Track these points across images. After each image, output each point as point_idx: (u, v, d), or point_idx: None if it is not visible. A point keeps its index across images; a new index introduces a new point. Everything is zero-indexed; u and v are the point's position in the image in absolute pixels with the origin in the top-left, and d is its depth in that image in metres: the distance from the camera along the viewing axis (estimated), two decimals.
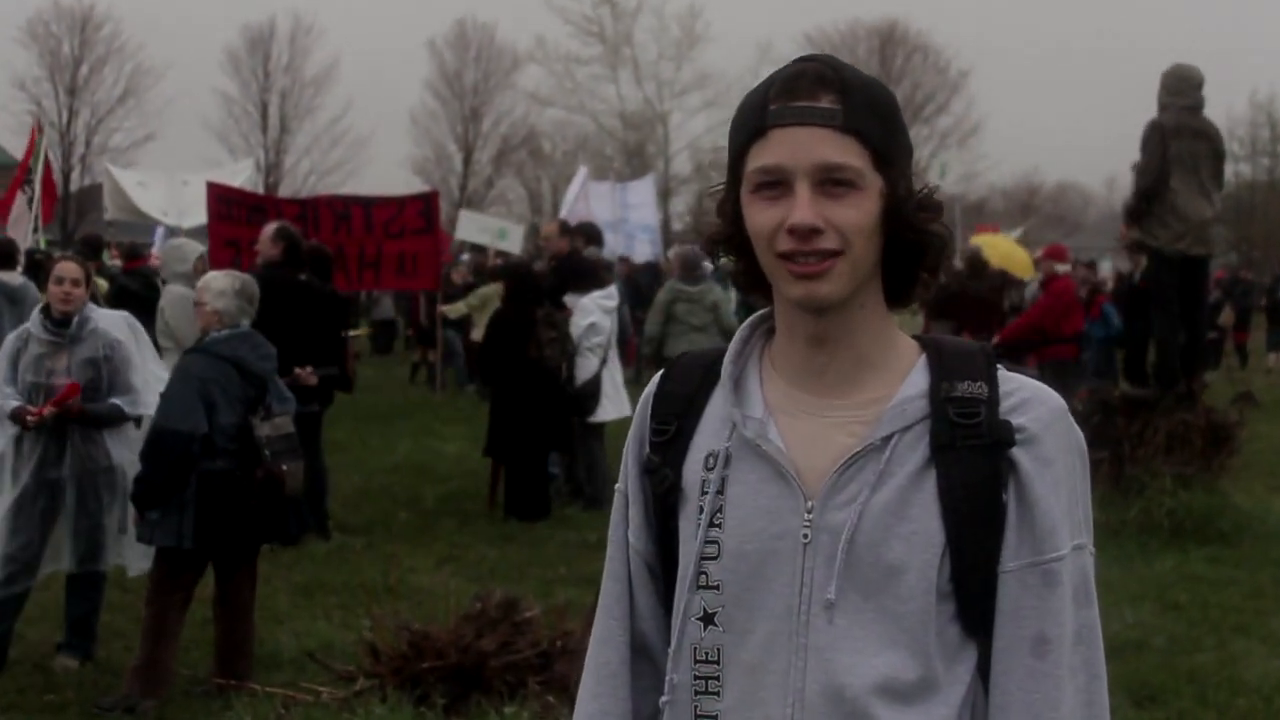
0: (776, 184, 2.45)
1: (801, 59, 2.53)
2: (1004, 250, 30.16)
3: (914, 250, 2.53)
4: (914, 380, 2.52)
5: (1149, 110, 14.40)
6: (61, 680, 9.30)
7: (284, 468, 8.76)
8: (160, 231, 30.52)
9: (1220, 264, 50.53)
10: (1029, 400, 2.50)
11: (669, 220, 64.43)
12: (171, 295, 12.92)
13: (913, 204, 2.50)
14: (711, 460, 2.58)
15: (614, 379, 15.52)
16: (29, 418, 9.19)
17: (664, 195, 52.05)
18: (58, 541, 9.55)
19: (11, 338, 9.70)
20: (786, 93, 2.46)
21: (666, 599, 2.69)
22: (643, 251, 32.48)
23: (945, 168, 55.22)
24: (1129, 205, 14.53)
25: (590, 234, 17.18)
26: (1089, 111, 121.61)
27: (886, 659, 2.43)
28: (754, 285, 2.61)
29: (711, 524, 2.55)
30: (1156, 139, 13.93)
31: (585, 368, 14.82)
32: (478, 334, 23.18)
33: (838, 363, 2.54)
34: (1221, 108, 60.34)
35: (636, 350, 24.49)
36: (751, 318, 2.69)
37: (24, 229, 21.45)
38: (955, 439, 2.45)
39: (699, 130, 78.28)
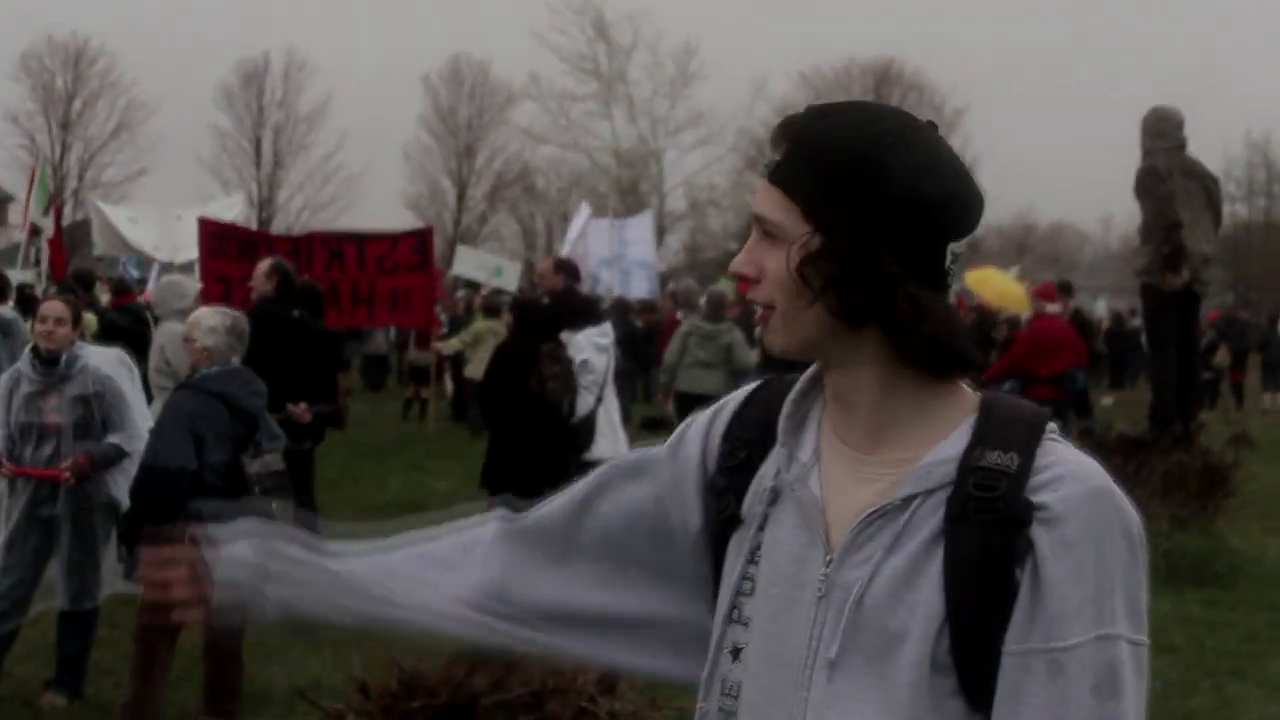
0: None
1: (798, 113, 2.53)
2: (998, 286, 30.26)
3: (880, 310, 2.41)
4: (952, 442, 2.43)
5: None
6: (49, 717, 9.29)
7: (273, 505, 8.75)
8: (155, 268, 30.57)
9: (1216, 304, 50.65)
10: (1062, 478, 2.36)
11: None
12: (169, 332, 12.93)
13: (872, 263, 2.38)
14: (763, 495, 2.57)
15: (610, 417, 15.52)
16: (2, 471, 9.27)
17: (659, 232, 52.06)
18: (50, 579, 9.57)
19: (4, 378, 9.74)
20: (771, 141, 2.50)
21: (652, 569, 2.77)
22: (639, 288, 32.52)
23: None
24: (1166, 254, 14.35)
25: (569, 271, 17.22)
26: (1083, 151, 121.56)
27: None
28: None
29: (750, 560, 2.55)
30: (1152, 182, 14.00)
31: (582, 404, 14.81)
32: (471, 370, 23.25)
33: (861, 418, 2.50)
34: (1218, 148, 60.51)
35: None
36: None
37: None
38: (968, 511, 2.36)
39: (694, 167, 78.65)
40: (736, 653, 2.54)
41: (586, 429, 14.86)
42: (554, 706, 8.09)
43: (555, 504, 2.91)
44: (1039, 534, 2.33)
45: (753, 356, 18.48)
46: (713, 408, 2.77)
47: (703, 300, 19.70)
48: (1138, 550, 2.40)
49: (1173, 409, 14.28)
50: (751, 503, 2.58)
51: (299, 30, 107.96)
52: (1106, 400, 33.07)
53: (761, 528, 2.54)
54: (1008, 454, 2.38)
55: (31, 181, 23.03)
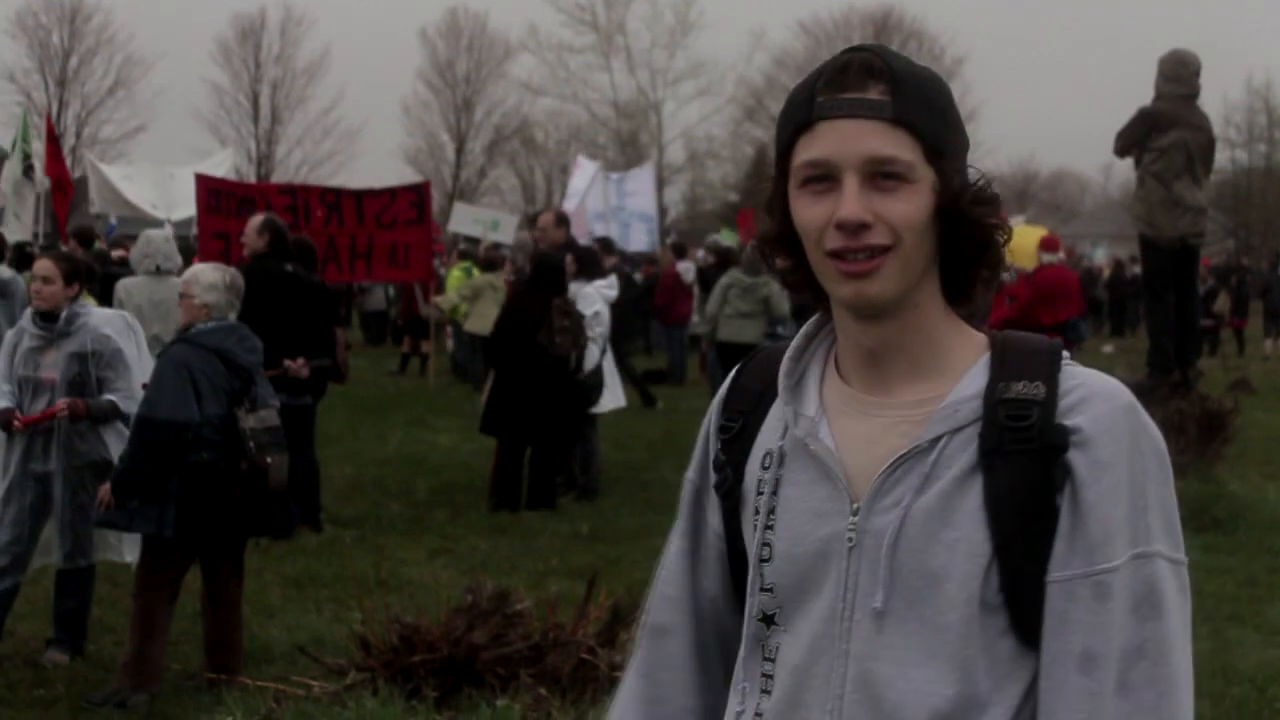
0: (824, 178, 2.37)
1: (850, 49, 2.44)
2: (1022, 242, 30.51)
3: (972, 246, 2.44)
4: (971, 380, 2.42)
5: (1144, 96, 14.44)
6: (51, 675, 9.30)
7: (268, 460, 8.76)
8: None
9: (1217, 250, 50.65)
10: (1088, 399, 2.36)
11: (664, 209, 64.34)
12: (131, 287, 12.98)
13: (968, 198, 2.41)
14: (768, 460, 2.53)
15: (612, 370, 15.57)
16: (15, 424, 9.29)
17: (658, 184, 52.08)
18: (47, 536, 9.60)
19: (10, 334, 9.84)
20: (834, 84, 2.38)
21: (737, 589, 2.63)
22: (639, 240, 32.49)
23: None
24: (1118, 146, 14.61)
25: (568, 224, 17.23)
26: (1085, 98, 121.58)
27: (926, 672, 2.35)
28: (803, 284, 2.53)
29: (766, 526, 2.50)
30: (1140, 121, 14.06)
31: (588, 358, 14.83)
32: (471, 324, 23.25)
33: (892, 362, 2.46)
34: (1218, 93, 60.42)
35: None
36: (817, 315, 2.60)
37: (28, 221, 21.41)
38: (1003, 443, 2.34)
39: (693, 119, 78.79)
40: (768, 619, 2.51)
41: (595, 382, 14.91)
42: (554, 659, 8.11)
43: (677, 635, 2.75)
44: (1075, 458, 2.33)
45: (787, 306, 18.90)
46: (715, 399, 2.74)
47: (743, 254, 20.50)
48: (1166, 466, 2.40)
49: (1171, 357, 14.31)
50: (754, 471, 2.56)
51: None
52: (1107, 348, 33.08)
53: (774, 492, 2.50)
54: (1033, 383, 2.38)
55: (50, 134, 22.87)
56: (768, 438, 2.55)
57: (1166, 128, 13.99)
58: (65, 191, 23.28)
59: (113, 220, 31.60)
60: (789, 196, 2.45)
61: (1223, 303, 36.41)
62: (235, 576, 9.12)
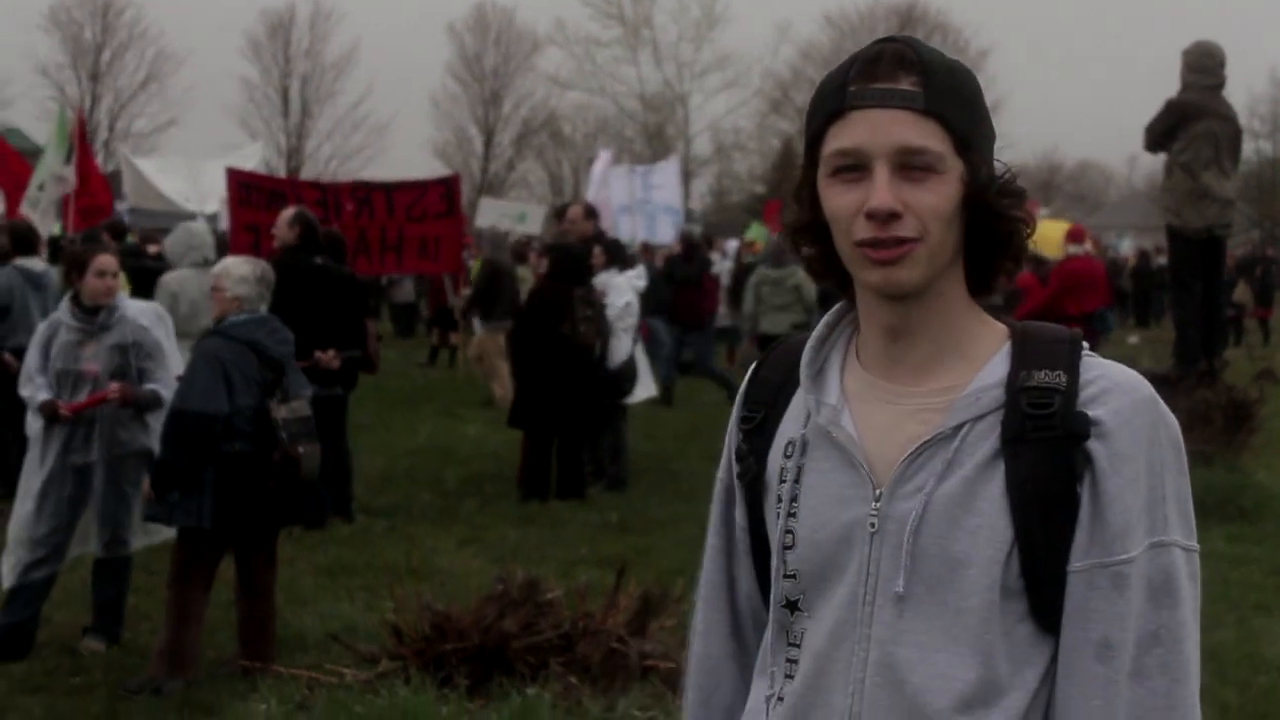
0: (855, 167, 2.39)
1: (882, 40, 2.46)
2: (1041, 229, 30.69)
3: (996, 237, 2.47)
4: (993, 368, 2.45)
5: (1169, 87, 14.42)
6: (89, 662, 9.35)
7: (300, 450, 8.79)
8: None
9: (1242, 241, 50.51)
10: (1109, 390, 2.39)
11: (689, 201, 64.29)
12: (181, 280, 13.07)
13: (994, 190, 2.44)
14: (790, 448, 2.55)
15: (643, 360, 15.59)
16: (61, 412, 9.32)
17: (685, 177, 51.98)
18: (85, 525, 9.64)
19: (43, 326, 9.84)
20: (866, 74, 2.40)
21: (763, 577, 2.66)
22: (665, 233, 32.46)
23: None
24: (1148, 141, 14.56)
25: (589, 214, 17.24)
26: (1109, 89, 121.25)
27: (947, 656, 2.37)
28: (829, 272, 2.56)
29: (789, 513, 2.52)
30: (1168, 113, 14.03)
31: (620, 349, 14.83)
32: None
33: (915, 350, 2.48)
34: (1242, 86, 60.18)
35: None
36: (839, 305, 2.62)
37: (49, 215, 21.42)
38: (1025, 430, 2.37)
39: (719, 111, 78.55)
40: (792, 605, 2.53)
41: (629, 374, 14.92)
42: (584, 648, 8.12)
43: (718, 624, 2.80)
44: (1096, 448, 2.36)
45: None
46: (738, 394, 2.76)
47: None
48: (1183, 457, 2.44)
49: (1197, 347, 14.26)
50: (776, 460, 2.57)
51: None
52: (1133, 338, 33.00)
53: (797, 480, 2.51)
54: (1055, 372, 2.40)
55: (81, 133, 22.83)
56: (790, 427, 2.58)
57: (1194, 118, 13.96)
58: (88, 182, 23.16)
59: (124, 212, 31.59)
60: (818, 185, 2.46)
61: (1242, 293, 36.26)
62: (269, 565, 9.15)
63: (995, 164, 2.47)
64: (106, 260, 9.61)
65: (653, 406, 18.13)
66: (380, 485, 15.34)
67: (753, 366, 2.73)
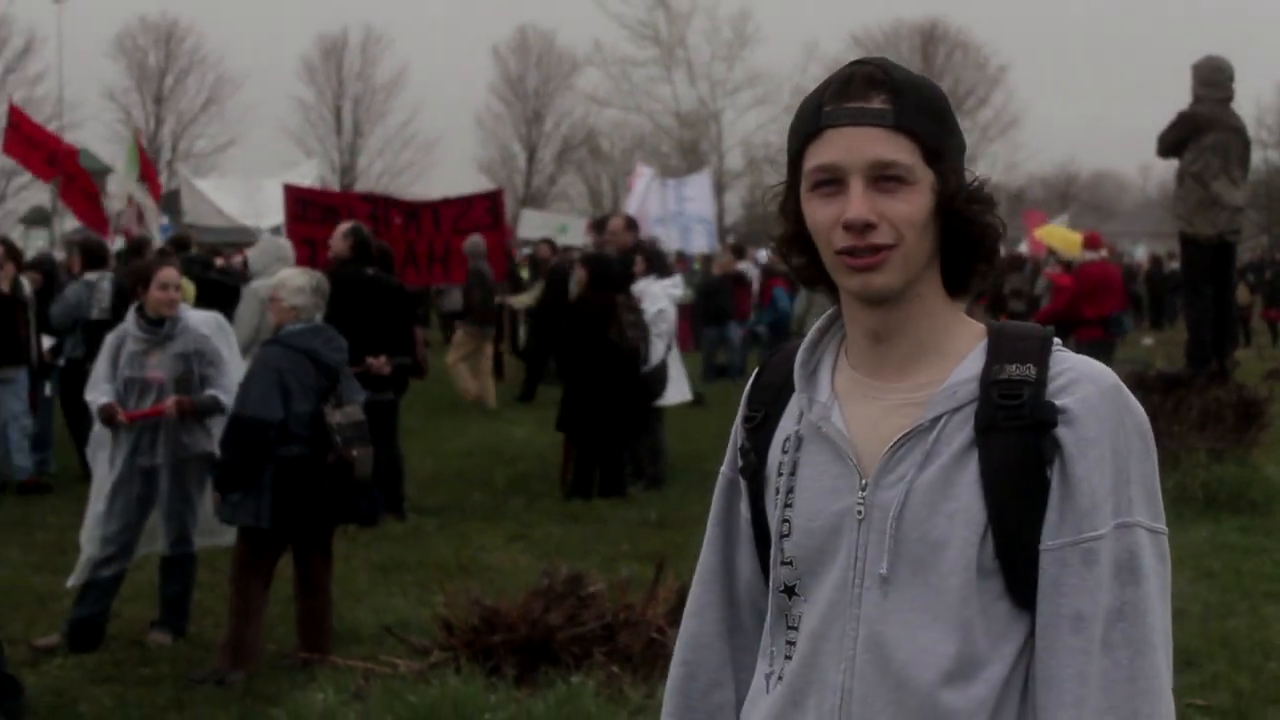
0: (832, 182, 2.46)
1: (854, 62, 2.53)
2: (1061, 236, 30.97)
3: (969, 241, 2.53)
4: (968, 364, 2.51)
5: (1180, 98, 14.38)
6: (156, 655, 9.39)
7: (354, 453, 8.81)
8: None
9: (1250, 246, 50.30)
10: (1076, 380, 2.45)
11: (723, 213, 64.17)
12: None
13: (964, 197, 2.50)
14: (787, 444, 2.61)
15: (677, 364, 15.58)
16: (119, 418, 9.36)
17: (718, 189, 51.88)
18: (152, 525, 9.69)
19: (111, 336, 9.89)
20: (840, 95, 2.47)
21: (765, 566, 2.71)
22: (699, 243, 32.49)
23: (994, 159, 55.81)
24: (1161, 148, 14.48)
25: (629, 225, 17.25)
26: (1122, 102, 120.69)
27: (930, 633, 2.43)
28: (817, 279, 2.61)
29: (786, 504, 2.58)
30: (1181, 124, 13.99)
31: (653, 353, 14.84)
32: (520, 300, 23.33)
33: (897, 350, 2.55)
34: (1250, 97, 59.89)
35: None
36: (830, 311, 2.69)
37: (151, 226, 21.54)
38: (997, 420, 2.43)
39: (750, 127, 78.31)
40: (789, 590, 2.59)
41: (660, 377, 14.92)
42: (625, 638, 8.12)
43: (711, 604, 2.84)
44: (1063, 434, 2.42)
45: None
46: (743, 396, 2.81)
47: None
48: (1149, 444, 2.49)
49: (1209, 348, 14.21)
50: (775, 455, 2.63)
51: (375, 5, 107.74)
52: (1147, 340, 32.88)
53: (793, 473, 2.58)
54: (1025, 365, 2.47)
55: (144, 158, 22.93)
56: (787, 424, 2.65)
57: (1205, 130, 13.90)
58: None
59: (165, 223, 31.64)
60: (801, 200, 2.53)
61: (1244, 295, 36.17)
62: (325, 562, 9.17)
63: (966, 173, 2.54)
64: (169, 274, 9.66)
65: (688, 409, 18.09)
66: (431, 485, 15.36)
67: (756, 370, 2.80)
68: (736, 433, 2.76)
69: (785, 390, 2.67)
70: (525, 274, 27.46)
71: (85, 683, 8.87)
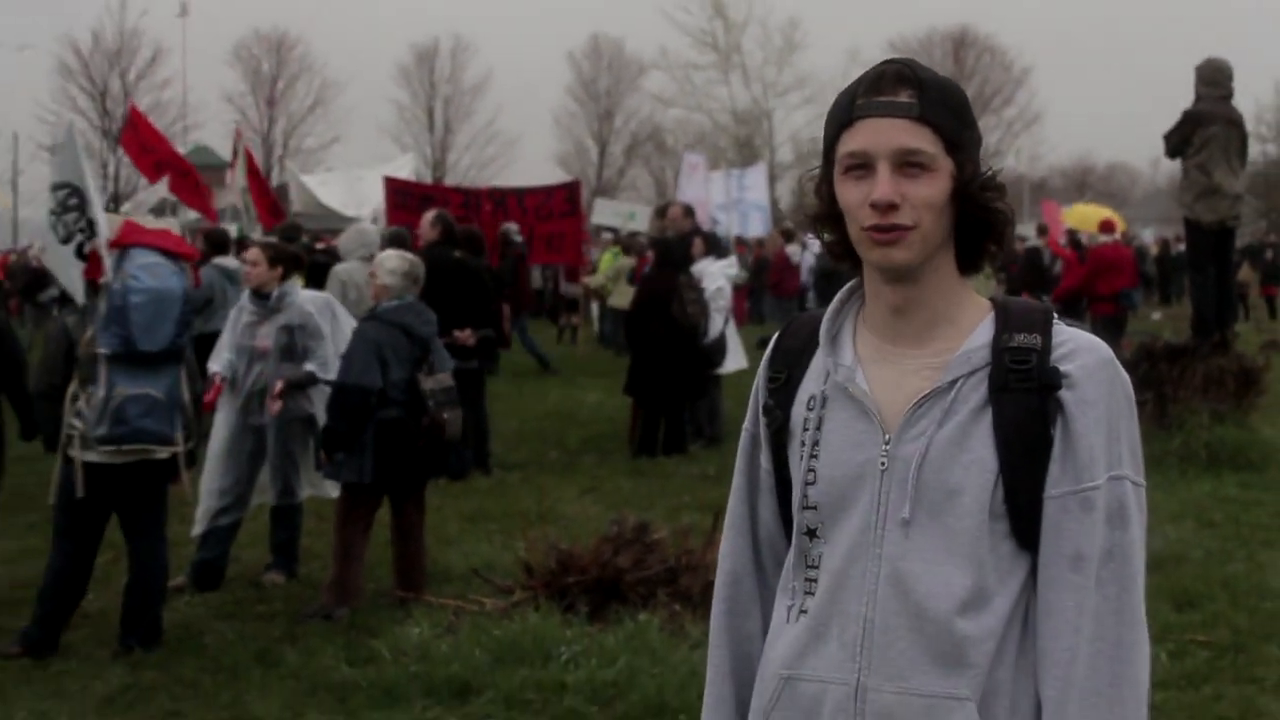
0: (862, 166, 2.48)
1: (885, 61, 2.55)
2: (1081, 214, 31.34)
3: (981, 224, 2.56)
4: (980, 333, 2.54)
5: (1185, 96, 14.25)
6: (270, 594, 9.46)
7: (445, 416, 8.85)
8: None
9: (1250, 230, 49.91)
10: (1076, 350, 2.50)
11: (775, 200, 63.99)
12: (350, 271, 13.17)
13: (979, 184, 2.53)
14: (812, 402, 2.63)
15: (734, 336, 15.58)
16: (209, 396, 9.53)
17: (770, 180, 51.77)
18: (264, 479, 9.77)
19: (234, 311, 10.10)
20: (872, 89, 2.50)
21: (783, 512, 2.72)
22: (756, 227, 32.49)
23: (1019, 152, 55.44)
24: (1168, 149, 14.35)
25: (687, 212, 17.21)
26: (1134, 100, 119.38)
27: (947, 568, 2.46)
28: (844, 255, 2.62)
29: (811, 455, 2.59)
30: (1185, 123, 13.89)
31: (713, 326, 14.83)
32: (614, 300, 23.27)
33: (915, 320, 2.57)
34: (1250, 95, 59.29)
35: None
36: (849, 284, 2.71)
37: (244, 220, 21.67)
38: (1009, 382, 2.48)
39: (799, 124, 77.68)
40: (811, 532, 2.61)
41: (720, 348, 14.94)
42: (686, 580, 8.15)
43: (740, 546, 2.84)
44: (1066, 396, 2.48)
45: None
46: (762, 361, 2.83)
47: None
48: (1134, 408, 2.55)
49: (1211, 322, 14.11)
50: (800, 412, 2.64)
51: (462, 16, 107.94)
52: (1156, 315, 32.63)
53: (818, 428, 2.59)
54: (1031, 335, 2.52)
55: (235, 153, 23.06)
56: (811, 384, 2.66)
57: (1206, 124, 13.80)
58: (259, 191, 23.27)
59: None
60: (834, 182, 2.56)
61: (1245, 274, 35.98)
62: (419, 512, 9.21)
63: (980, 163, 2.57)
64: (251, 252, 9.98)
65: (744, 375, 18.06)
66: (514, 443, 15.38)
67: (775, 336, 2.81)
68: (758, 392, 2.77)
69: (806, 354, 2.68)
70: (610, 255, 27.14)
71: (209, 618, 8.94)
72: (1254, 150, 14.42)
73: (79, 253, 8.23)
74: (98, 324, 7.92)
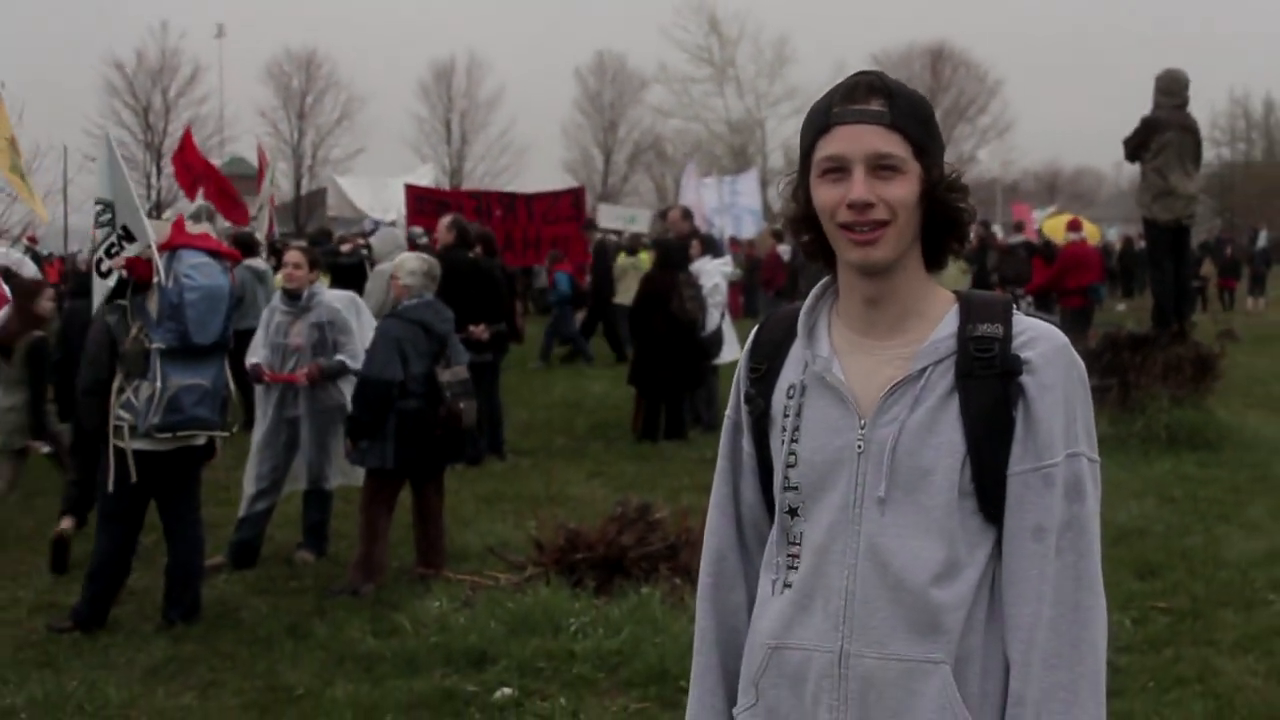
0: (839, 169, 2.50)
1: (857, 73, 2.57)
2: (1053, 226, 31.39)
3: (946, 223, 2.58)
4: (946, 324, 2.55)
5: (1145, 104, 14.25)
6: (302, 571, 9.47)
7: (461, 406, 8.86)
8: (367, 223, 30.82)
9: (1206, 228, 49.85)
10: (1035, 338, 2.51)
11: (767, 204, 64.05)
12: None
13: (944, 186, 2.55)
14: (792, 390, 2.63)
15: (730, 329, 15.58)
16: (264, 377, 9.55)
17: (762, 185, 51.73)
18: (297, 466, 9.78)
19: (266, 310, 10.11)
20: (846, 99, 2.52)
21: (765, 492, 2.73)
22: (748, 229, 32.49)
23: (990, 153, 55.57)
24: (1127, 153, 14.34)
25: (685, 215, 17.19)
26: (1099, 108, 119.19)
27: (921, 542, 2.48)
28: (820, 254, 2.64)
29: (792, 440, 2.60)
30: (1143, 129, 13.90)
31: (710, 320, 14.83)
32: (619, 298, 23.23)
33: (887, 313, 2.58)
34: (1206, 102, 59.16)
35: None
36: (823, 280, 2.71)
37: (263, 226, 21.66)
38: (974, 369, 2.49)
39: (790, 133, 77.59)
40: (793, 511, 2.61)
41: (717, 340, 14.92)
42: (686, 556, 8.15)
43: (724, 525, 2.84)
44: (1027, 381, 2.49)
45: None
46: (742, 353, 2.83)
47: None
48: (1088, 390, 2.57)
49: (1170, 313, 14.11)
50: (780, 400, 2.64)
51: (478, 36, 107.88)
52: (1120, 307, 32.63)
53: (798, 414, 2.60)
54: (994, 325, 2.53)
55: (261, 166, 23.08)
56: (790, 373, 2.66)
57: (1163, 131, 13.79)
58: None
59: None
60: (810, 186, 2.57)
61: (1207, 269, 36.01)
62: (438, 495, 9.21)
63: (945, 167, 2.57)
64: (292, 255, 9.91)
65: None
66: (525, 431, 15.38)
67: (754, 330, 2.81)
68: (740, 382, 2.78)
69: (783, 346, 2.68)
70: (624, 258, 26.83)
71: (245, 594, 8.96)
72: (1209, 154, 14.36)
73: (98, 268, 8.16)
74: (150, 321, 7.92)
